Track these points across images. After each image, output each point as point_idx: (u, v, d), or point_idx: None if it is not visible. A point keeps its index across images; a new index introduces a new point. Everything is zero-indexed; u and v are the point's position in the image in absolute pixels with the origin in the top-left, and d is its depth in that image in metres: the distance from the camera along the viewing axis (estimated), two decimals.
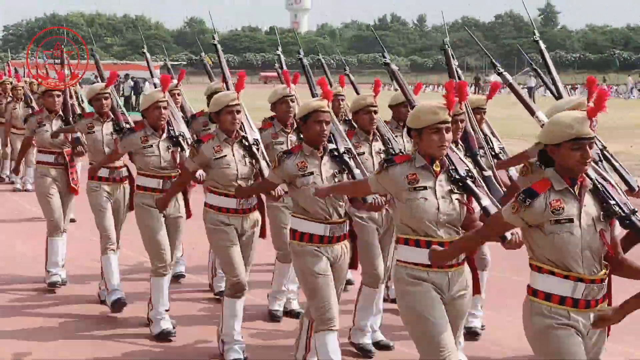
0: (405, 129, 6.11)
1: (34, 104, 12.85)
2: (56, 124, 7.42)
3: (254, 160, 5.35)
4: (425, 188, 3.87)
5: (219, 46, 6.04)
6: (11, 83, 13.31)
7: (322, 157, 4.74)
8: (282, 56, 6.90)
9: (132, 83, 34.92)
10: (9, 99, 13.18)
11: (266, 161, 5.36)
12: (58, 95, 7.37)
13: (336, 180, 4.72)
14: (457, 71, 4.98)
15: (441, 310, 3.86)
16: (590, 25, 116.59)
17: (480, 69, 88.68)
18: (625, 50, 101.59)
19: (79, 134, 7.12)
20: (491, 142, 5.63)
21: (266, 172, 5.26)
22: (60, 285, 7.27)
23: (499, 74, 4.36)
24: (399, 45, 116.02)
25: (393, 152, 5.52)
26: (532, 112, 4.25)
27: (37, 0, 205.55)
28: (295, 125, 6.15)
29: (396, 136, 5.78)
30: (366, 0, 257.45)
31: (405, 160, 3.97)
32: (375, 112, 5.56)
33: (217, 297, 6.79)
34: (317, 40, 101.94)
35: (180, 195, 6.06)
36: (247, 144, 5.35)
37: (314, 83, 5.34)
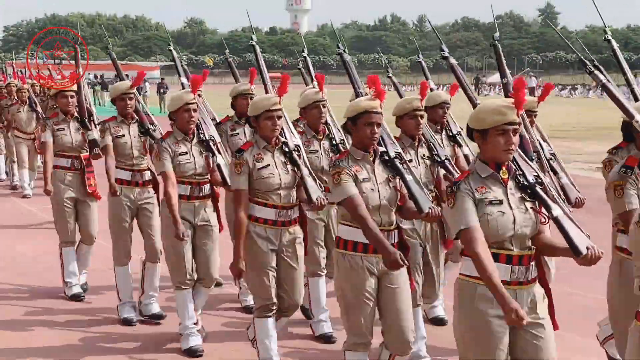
0: (444, 133, 5.78)
1: (38, 108, 12.57)
2: (74, 126, 7.03)
3: (295, 168, 4.92)
4: (500, 202, 3.50)
5: (257, 47, 5.68)
6: (16, 85, 13.00)
7: (373, 161, 4.33)
8: (308, 59, 6.48)
9: None
10: (14, 101, 12.86)
11: (308, 169, 4.98)
12: (72, 96, 7.00)
13: (390, 185, 4.31)
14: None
15: (505, 346, 3.50)
16: (591, 26, 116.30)
17: (480, 69, 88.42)
18: (625, 50, 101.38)
19: (95, 136, 6.81)
20: (541, 147, 5.28)
21: (308, 179, 4.89)
22: (83, 296, 6.97)
23: (590, 73, 3.94)
24: (398, 46, 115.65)
25: (439, 159, 5.18)
26: (631, 116, 3.85)
27: (37, 1, 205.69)
28: (327, 132, 5.81)
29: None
30: (366, 0, 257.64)
31: (466, 175, 3.58)
32: (422, 116, 5.15)
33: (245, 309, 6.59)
34: (318, 41, 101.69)
35: (210, 204, 5.70)
36: (287, 150, 4.95)
37: (358, 81, 4.93)
